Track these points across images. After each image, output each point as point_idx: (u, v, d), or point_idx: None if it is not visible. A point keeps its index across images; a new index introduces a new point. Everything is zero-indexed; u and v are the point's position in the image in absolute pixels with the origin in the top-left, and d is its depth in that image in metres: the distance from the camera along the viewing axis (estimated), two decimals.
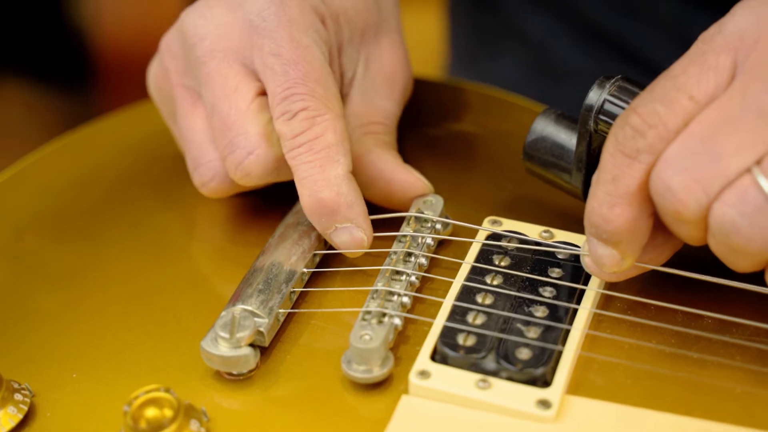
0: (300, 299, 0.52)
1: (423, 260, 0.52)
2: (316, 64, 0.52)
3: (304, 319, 0.51)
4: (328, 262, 0.54)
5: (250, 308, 0.49)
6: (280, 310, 0.50)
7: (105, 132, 0.65)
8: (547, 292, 0.50)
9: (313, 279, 0.53)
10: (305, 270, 0.52)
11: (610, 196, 0.45)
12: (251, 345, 0.49)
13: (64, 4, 1.41)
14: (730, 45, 0.44)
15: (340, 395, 0.48)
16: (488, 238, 0.53)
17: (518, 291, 0.50)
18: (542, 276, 0.50)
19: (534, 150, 0.53)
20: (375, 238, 0.52)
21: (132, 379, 0.49)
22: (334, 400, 0.48)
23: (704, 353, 0.48)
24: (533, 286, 0.50)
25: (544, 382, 0.47)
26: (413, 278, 0.51)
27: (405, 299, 0.50)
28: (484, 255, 0.52)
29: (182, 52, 0.55)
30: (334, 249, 0.53)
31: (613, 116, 0.49)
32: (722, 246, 0.44)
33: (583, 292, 0.50)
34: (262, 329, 0.49)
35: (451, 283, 0.51)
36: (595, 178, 0.46)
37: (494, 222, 0.54)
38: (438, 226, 0.53)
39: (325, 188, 0.50)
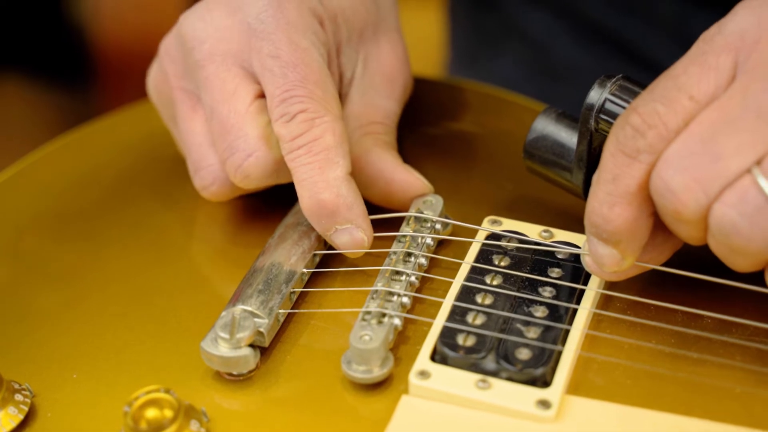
0: (300, 299, 0.52)
1: (423, 260, 0.52)
2: (314, 66, 0.52)
3: (304, 320, 0.51)
4: (327, 262, 0.54)
5: (250, 309, 0.49)
6: (280, 311, 0.50)
7: (105, 132, 0.65)
8: (547, 292, 0.50)
9: (313, 279, 0.53)
10: (305, 270, 0.52)
11: (610, 195, 0.45)
12: (251, 345, 0.49)
13: (63, 2, 1.41)
14: (731, 45, 0.44)
15: (340, 395, 0.48)
16: (488, 238, 0.53)
17: (518, 291, 0.50)
18: (542, 276, 0.50)
19: (535, 149, 0.53)
20: (375, 238, 0.52)
21: (132, 379, 0.49)
22: (334, 401, 0.48)
23: (704, 353, 0.48)
24: (533, 286, 0.50)
25: (544, 382, 0.47)
26: (413, 278, 0.51)
27: (405, 299, 0.50)
28: (484, 255, 0.52)
29: (181, 56, 0.55)
30: (333, 249, 0.53)
31: (614, 115, 0.49)
32: (722, 246, 0.44)
33: (582, 292, 0.50)
34: (262, 330, 0.49)
35: (451, 283, 0.51)
36: (595, 177, 0.46)
37: (494, 222, 0.54)
38: (438, 226, 0.53)
39: (325, 190, 0.50)
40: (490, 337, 0.48)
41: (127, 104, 0.67)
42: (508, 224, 0.53)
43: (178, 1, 1.27)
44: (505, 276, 0.51)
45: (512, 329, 0.48)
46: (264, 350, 0.50)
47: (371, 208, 0.53)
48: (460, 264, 0.52)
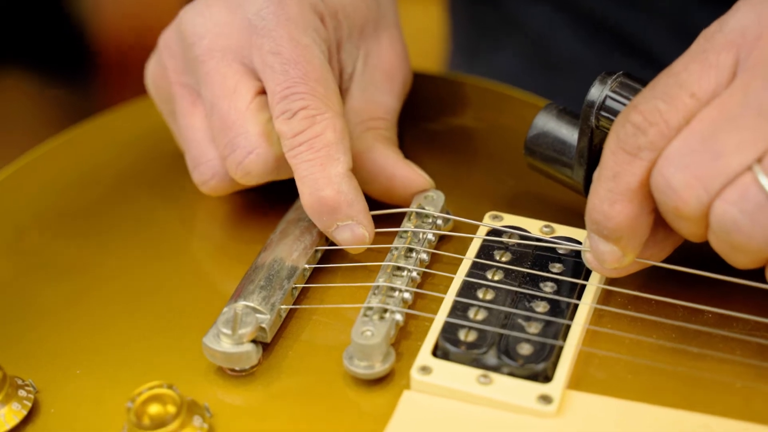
0: (302, 295, 0.52)
1: (424, 256, 0.52)
2: (315, 62, 0.52)
3: (305, 315, 0.51)
4: (329, 258, 0.54)
5: (252, 304, 0.50)
6: (282, 306, 0.50)
7: (106, 128, 0.65)
8: (548, 287, 0.50)
9: (315, 275, 0.53)
10: (307, 266, 0.52)
11: (611, 193, 0.46)
12: (253, 341, 0.49)
13: None
14: (732, 42, 0.44)
15: (342, 391, 0.48)
16: (489, 233, 0.53)
17: (519, 286, 0.50)
18: (543, 271, 0.51)
19: (535, 145, 0.53)
20: (376, 234, 0.52)
21: (135, 375, 0.49)
22: (336, 396, 0.48)
23: (704, 348, 0.48)
24: (534, 282, 0.50)
25: (545, 377, 0.47)
26: (414, 274, 0.51)
27: (406, 295, 0.50)
28: (485, 250, 0.52)
29: (181, 51, 0.55)
30: (335, 245, 0.53)
31: (615, 112, 0.49)
32: (723, 243, 0.44)
33: (583, 287, 0.50)
34: (264, 325, 0.49)
35: (452, 278, 0.51)
36: (596, 174, 0.46)
37: (495, 217, 0.54)
38: (439, 221, 0.54)
39: (326, 187, 0.50)
40: (491, 332, 0.48)
41: (128, 98, 0.67)
42: (509, 219, 0.53)
43: None
44: (506, 271, 0.51)
45: (513, 324, 0.48)
46: (266, 346, 0.50)
47: (372, 203, 0.53)
48: (461, 259, 0.52)
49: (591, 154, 0.51)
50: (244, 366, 0.49)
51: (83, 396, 0.49)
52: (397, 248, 0.52)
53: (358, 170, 0.54)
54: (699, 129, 0.44)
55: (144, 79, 0.58)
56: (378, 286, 0.50)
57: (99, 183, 0.61)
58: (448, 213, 0.54)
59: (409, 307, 0.50)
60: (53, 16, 1.41)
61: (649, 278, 0.51)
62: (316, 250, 0.53)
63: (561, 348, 0.48)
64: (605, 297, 0.51)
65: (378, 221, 0.52)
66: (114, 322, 0.52)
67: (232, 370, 0.49)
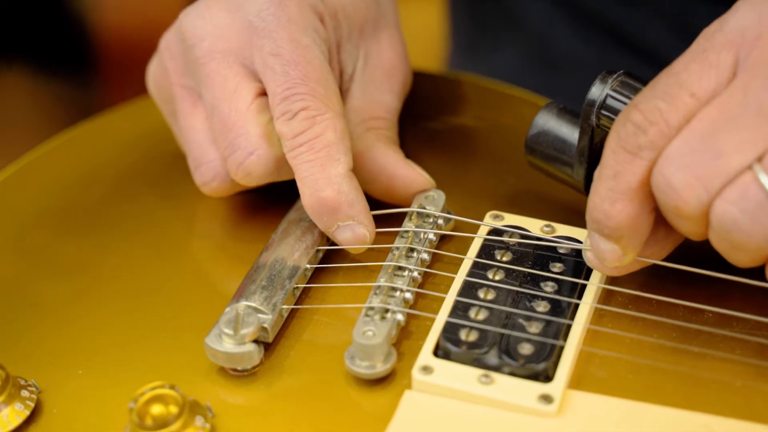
0: (303, 295, 0.52)
1: (425, 255, 0.52)
2: (315, 63, 0.52)
3: (307, 315, 0.52)
4: (330, 258, 0.54)
5: (253, 305, 0.50)
6: (284, 306, 0.50)
7: (108, 128, 0.65)
8: (549, 286, 0.50)
9: (316, 275, 0.53)
10: (308, 266, 0.52)
11: (611, 192, 0.46)
12: (255, 341, 0.49)
13: None
14: (732, 42, 0.45)
15: (343, 390, 0.48)
16: (490, 233, 0.53)
17: (520, 286, 0.50)
18: (544, 271, 0.51)
19: (536, 144, 0.53)
20: (377, 233, 0.52)
21: (137, 375, 0.49)
22: (338, 396, 0.48)
23: (705, 347, 0.48)
24: (535, 281, 0.50)
25: (546, 377, 0.47)
26: (415, 274, 0.51)
27: (407, 295, 0.50)
28: (486, 250, 0.52)
29: (181, 53, 0.55)
30: (336, 245, 0.53)
31: (615, 111, 0.49)
32: (723, 242, 0.44)
33: (584, 286, 0.50)
34: (265, 325, 0.49)
35: (453, 278, 0.51)
36: (596, 174, 0.46)
37: (496, 216, 0.54)
38: (440, 221, 0.54)
39: (327, 187, 0.51)
40: (492, 332, 0.48)
41: (129, 94, 0.67)
42: (510, 219, 0.53)
43: None
44: (507, 271, 0.51)
45: (514, 324, 0.48)
46: (268, 346, 0.50)
47: (373, 203, 0.53)
48: (462, 259, 0.52)
49: (591, 153, 0.51)
50: (246, 366, 0.49)
51: (85, 396, 0.49)
52: (398, 248, 0.52)
53: (359, 170, 0.54)
54: (699, 128, 0.44)
55: (145, 78, 0.59)
56: (379, 286, 0.50)
57: (100, 182, 0.61)
58: (449, 212, 0.54)
59: (410, 307, 0.51)
60: (54, 12, 1.41)
61: (649, 277, 0.51)
62: (318, 250, 0.53)
63: (562, 348, 0.48)
64: (606, 296, 0.51)
65: (379, 221, 0.53)
66: (115, 322, 0.53)
67: (234, 370, 0.49)
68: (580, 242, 0.52)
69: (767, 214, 0.43)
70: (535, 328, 0.48)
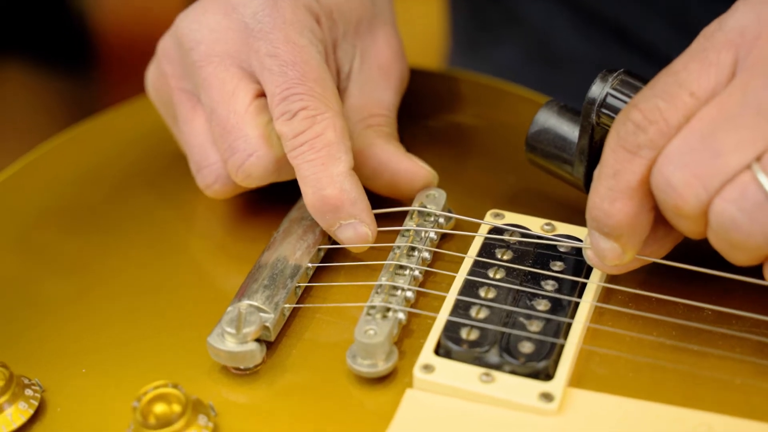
0: (305, 294, 0.53)
1: (426, 254, 0.52)
2: (313, 63, 0.52)
3: (309, 314, 0.52)
4: (332, 256, 0.54)
5: (255, 304, 0.50)
6: (286, 305, 0.51)
7: (109, 126, 0.65)
8: (549, 285, 0.50)
9: (318, 274, 0.53)
10: (310, 265, 0.53)
11: (611, 190, 0.46)
12: (257, 340, 0.49)
13: None
14: (731, 42, 0.45)
15: (345, 389, 0.49)
16: (490, 231, 0.53)
17: (520, 284, 0.50)
18: (544, 269, 0.51)
19: (536, 141, 0.53)
20: (378, 232, 0.52)
21: (139, 374, 0.50)
22: (340, 394, 0.48)
23: (704, 345, 0.48)
24: (535, 280, 0.50)
25: (547, 375, 0.47)
26: (417, 273, 0.52)
27: (409, 294, 0.50)
28: (487, 249, 0.52)
29: (179, 57, 0.55)
30: (338, 244, 0.53)
31: (616, 110, 0.49)
32: (722, 241, 0.45)
33: (584, 285, 0.50)
34: (268, 324, 0.50)
35: (454, 277, 0.51)
36: (596, 172, 0.47)
37: (496, 215, 0.54)
38: (441, 220, 0.54)
39: (329, 185, 0.51)
40: (493, 330, 0.48)
41: (130, 91, 0.67)
42: (511, 217, 0.54)
43: None
44: (508, 269, 0.51)
45: (515, 323, 0.49)
46: (270, 344, 0.50)
47: (375, 201, 0.53)
48: (463, 258, 0.52)
49: (592, 151, 0.51)
50: (249, 365, 0.49)
51: (89, 395, 0.49)
52: (399, 247, 0.52)
53: (361, 167, 0.54)
54: (698, 128, 0.44)
55: (145, 76, 0.59)
56: (381, 285, 0.50)
57: (102, 181, 0.61)
58: (449, 211, 0.55)
59: (411, 306, 0.51)
60: (55, 8, 1.41)
61: (649, 276, 0.51)
62: (319, 249, 0.53)
63: (562, 346, 0.48)
64: (606, 295, 0.51)
65: (380, 220, 0.53)
66: (118, 321, 0.53)
67: (237, 368, 0.50)
68: (581, 241, 0.52)
69: (766, 213, 0.43)
70: (535, 326, 0.48)
